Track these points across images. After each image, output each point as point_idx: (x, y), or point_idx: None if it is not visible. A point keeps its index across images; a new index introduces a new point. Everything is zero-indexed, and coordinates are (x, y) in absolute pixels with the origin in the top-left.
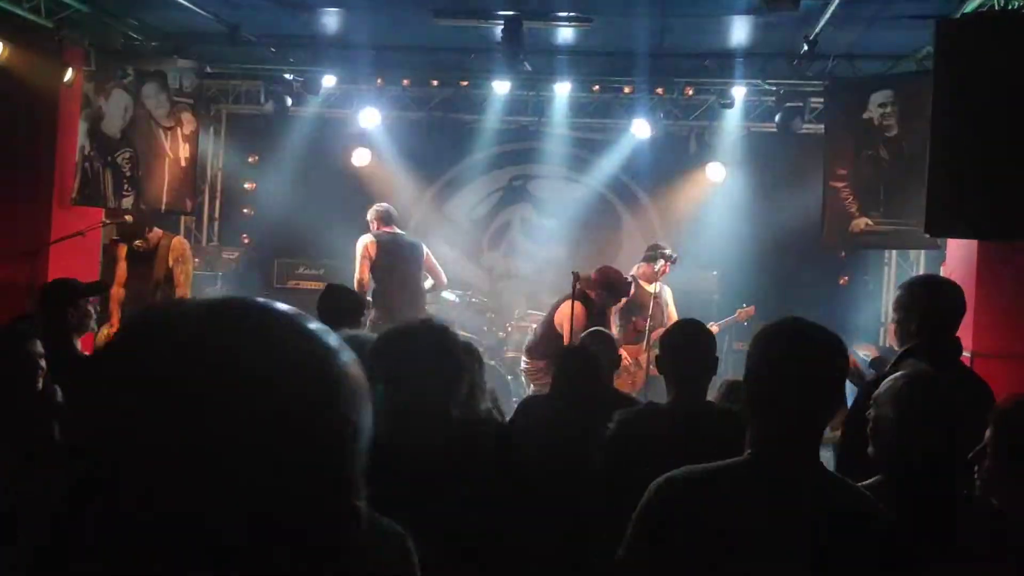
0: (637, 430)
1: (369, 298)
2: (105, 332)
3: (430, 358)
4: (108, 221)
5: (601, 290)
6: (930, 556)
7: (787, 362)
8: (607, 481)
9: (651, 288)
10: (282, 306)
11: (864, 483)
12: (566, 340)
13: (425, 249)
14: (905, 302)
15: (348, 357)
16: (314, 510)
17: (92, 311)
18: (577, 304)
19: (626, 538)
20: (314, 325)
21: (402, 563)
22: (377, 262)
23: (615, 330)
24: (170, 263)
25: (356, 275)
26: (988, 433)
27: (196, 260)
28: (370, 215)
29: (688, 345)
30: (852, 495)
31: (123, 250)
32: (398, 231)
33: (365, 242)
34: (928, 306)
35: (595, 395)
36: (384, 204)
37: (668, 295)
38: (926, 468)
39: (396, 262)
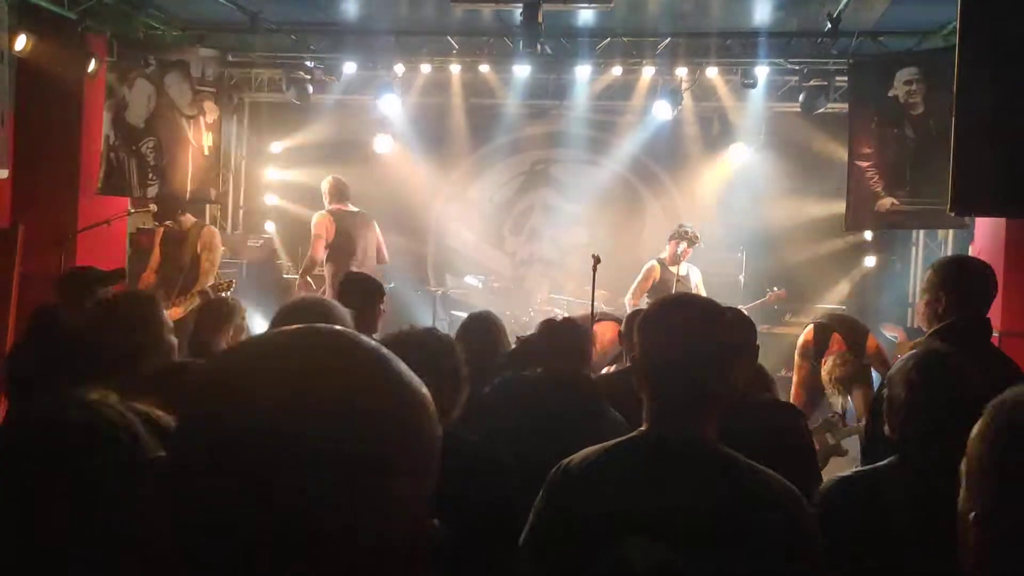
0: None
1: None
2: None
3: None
4: (134, 210)
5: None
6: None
7: (675, 339)
8: None
9: (675, 269)
10: (365, 339)
11: (879, 464)
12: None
13: (375, 224)
14: (934, 282)
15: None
16: (408, 530)
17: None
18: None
19: (525, 530)
20: (390, 354)
21: None
22: (332, 240)
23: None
24: (198, 249)
25: (309, 252)
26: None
27: (221, 248)
28: (324, 187)
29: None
30: (745, 472)
31: (159, 235)
32: (351, 207)
33: (318, 219)
34: (957, 287)
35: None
36: (338, 177)
37: (697, 276)
38: (938, 448)
39: (350, 240)
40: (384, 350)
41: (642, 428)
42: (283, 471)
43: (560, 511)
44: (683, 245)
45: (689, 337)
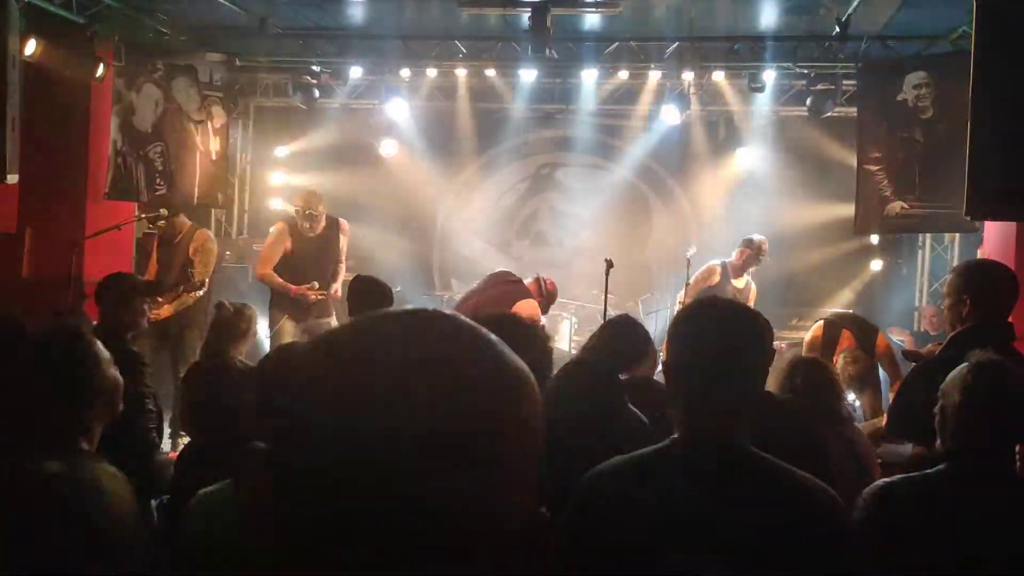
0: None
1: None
2: None
3: None
4: (142, 215)
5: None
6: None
7: (706, 343)
8: None
9: (737, 282)
10: (466, 320)
11: (928, 471)
12: None
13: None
14: (957, 286)
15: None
16: (516, 516)
17: (146, 310)
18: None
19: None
20: (493, 336)
21: None
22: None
23: None
24: (190, 253)
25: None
26: None
27: (227, 253)
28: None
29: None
30: (788, 478)
31: (154, 243)
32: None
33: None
34: (981, 291)
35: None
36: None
37: (752, 292)
38: (993, 456)
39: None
40: (485, 331)
41: (674, 435)
42: (397, 458)
43: (594, 526)
44: (750, 257)
45: (730, 341)
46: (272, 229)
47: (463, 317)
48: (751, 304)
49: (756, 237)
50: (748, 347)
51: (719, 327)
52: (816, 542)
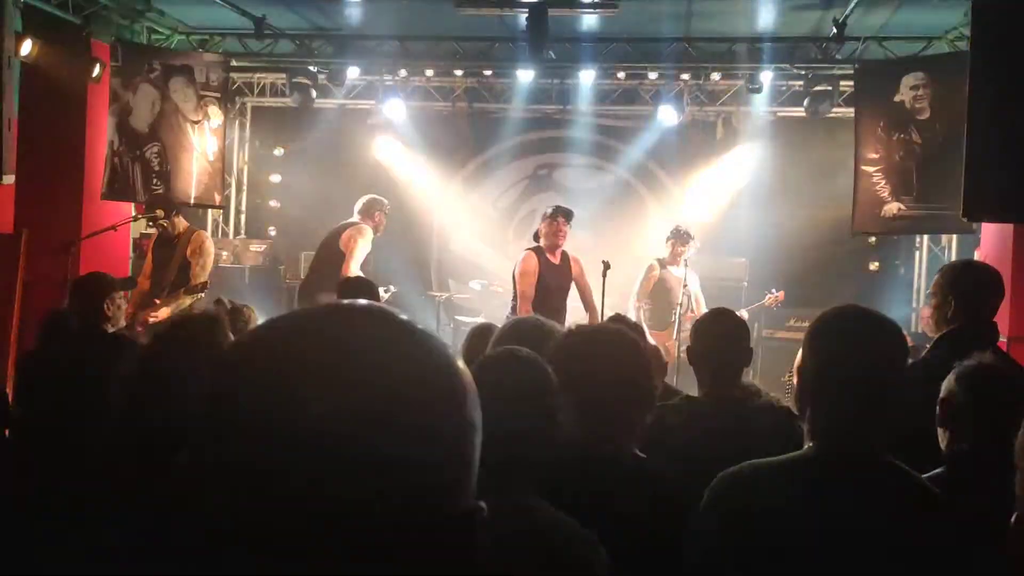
0: (672, 423)
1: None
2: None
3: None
4: (139, 216)
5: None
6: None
7: (855, 351)
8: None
9: (675, 271)
10: (396, 312)
11: (928, 474)
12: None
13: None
14: (943, 287)
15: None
16: (439, 509)
17: (123, 305)
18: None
19: (691, 538)
20: (428, 329)
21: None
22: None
23: (641, 314)
24: (188, 253)
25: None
26: None
27: (224, 254)
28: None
29: (722, 336)
30: (921, 487)
31: (150, 243)
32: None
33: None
34: (965, 291)
35: None
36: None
37: (694, 280)
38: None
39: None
40: (415, 324)
41: (811, 444)
42: (321, 452)
43: (732, 529)
44: (678, 244)
45: (871, 350)
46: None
47: (392, 310)
48: (695, 289)
49: (678, 225)
50: (889, 357)
51: (860, 337)
52: (952, 556)
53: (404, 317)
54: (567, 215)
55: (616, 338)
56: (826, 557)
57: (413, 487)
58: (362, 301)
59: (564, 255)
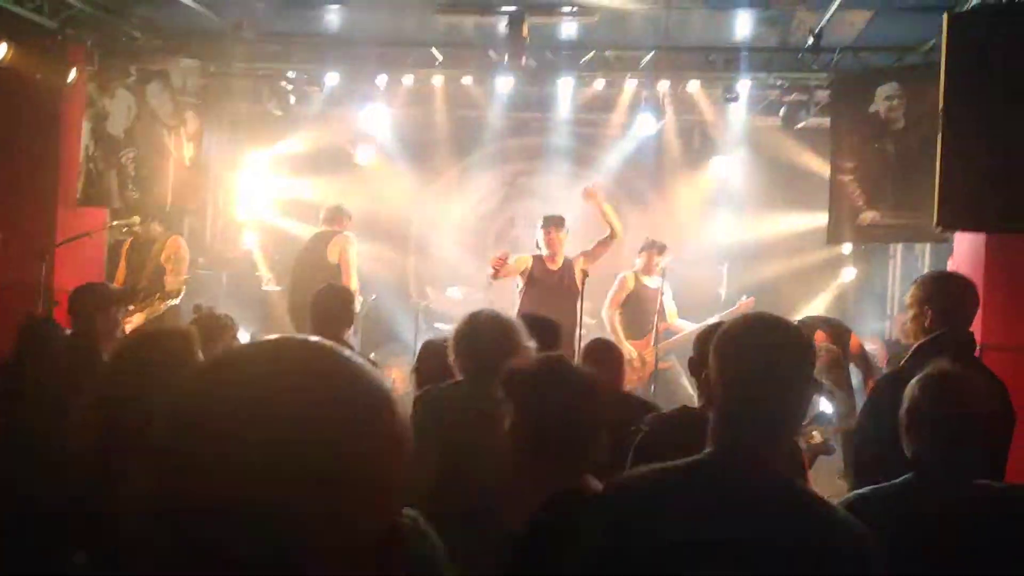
0: (673, 435)
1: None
2: None
3: None
4: (115, 222)
5: None
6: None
7: (756, 360)
8: None
9: (649, 282)
10: (329, 344)
11: (895, 481)
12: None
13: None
14: (919, 297)
15: (389, 385)
16: (361, 525)
17: (120, 320)
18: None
19: (576, 551)
20: (353, 355)
21: None
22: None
23: (616, 322)
24: (162, 260)
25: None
26: None
27: (200, 260)
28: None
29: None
30: (815, 503)
31: (124, 249)
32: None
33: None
34: (942, 302)
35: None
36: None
37: (668, 290)
38: (954, 466)
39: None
40: (345, 354)
41: (708, 450)
42: (255, 477)
43: (618, 537)
44: (653, 255)
45: (779, 361)
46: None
47: (325, 342)
48: (667, 301)
49: (650, 238)
50: (791, 366)
51: (763, 345)
52: (843, 570)
53: (332, 349)
54: (556, 223)
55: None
56: (699, 568)
57: (334, 505)
58: (298, 338)
59: (567, 261)
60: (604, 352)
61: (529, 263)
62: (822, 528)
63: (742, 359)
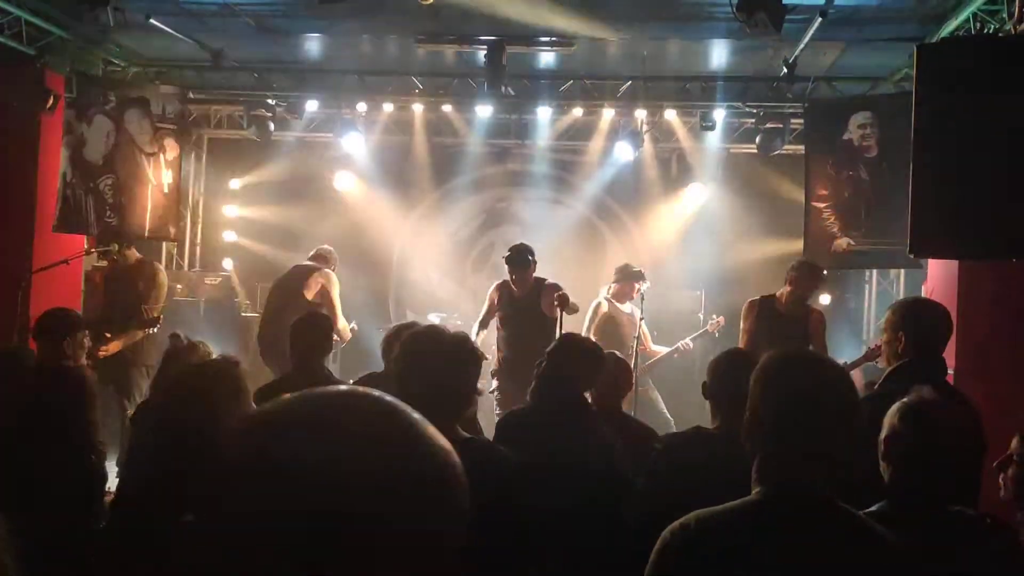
0: (688, 455)
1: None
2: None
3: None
4: (92, 249)
5: None
6: None
7: (802, 397)
8: (650, 507)
9: (623, 307)
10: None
11: (870, 509)
12: None
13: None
14: (894, 323)
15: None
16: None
17: (86, 345)
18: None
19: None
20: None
21: None
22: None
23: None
24: (140, 287)
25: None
26: (1015, 442)
27: (179, 287)
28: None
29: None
30: (865, 528)
31: (100, 276)
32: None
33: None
34: (916, 328)
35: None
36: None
37: (637, 317)
38: (932, 495)
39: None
40: (409, 413)
41: (759, 488)
42: (321, 540)
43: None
44: (631, 280)
45: (816, 394)
46: None
47: (390, 399)
48: (638, 327)
49: (627, 263)
50: (834, 399)
51: (804, 380)
52: None
53: (398, 409)
54: (510, 260)
55: None
56: None
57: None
58: (361, 392)
59: (534, 287)
60: (620, 366)
61: (497, 292)
62: (881, 556)
63: (780, 397)
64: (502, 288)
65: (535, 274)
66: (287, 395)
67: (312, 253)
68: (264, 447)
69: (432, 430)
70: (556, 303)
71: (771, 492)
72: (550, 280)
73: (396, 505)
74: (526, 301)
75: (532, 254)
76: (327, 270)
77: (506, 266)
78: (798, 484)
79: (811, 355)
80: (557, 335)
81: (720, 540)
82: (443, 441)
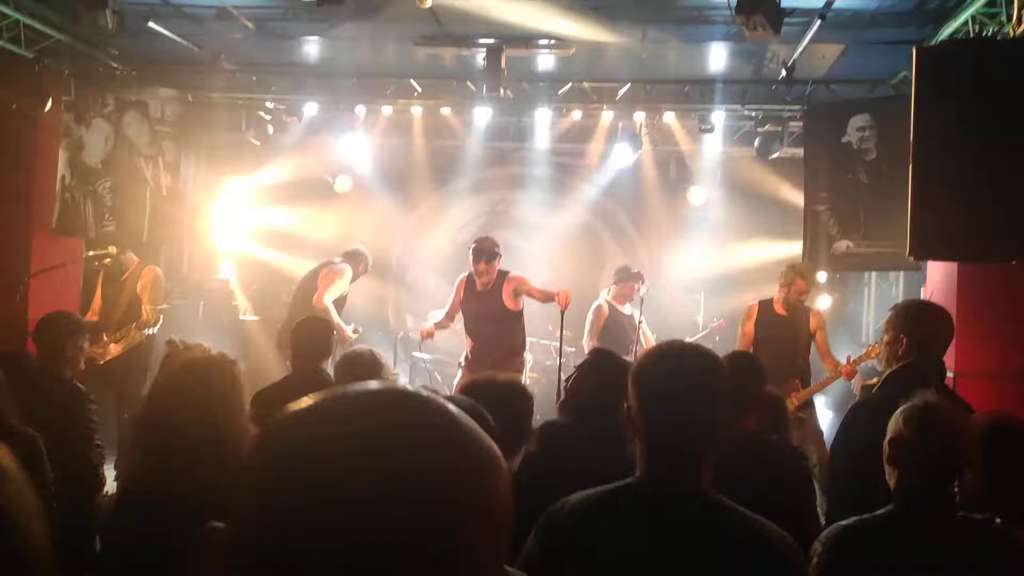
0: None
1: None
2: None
3: None
4: (90, 252)
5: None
6: None
7: (674, 388)
8: None
9: (623, 310)
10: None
11: (878, 512)
12: None
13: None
14: (895, 325)
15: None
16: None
17: (85, 348)
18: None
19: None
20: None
21: None
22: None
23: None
24: (137, 290)
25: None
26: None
27: (177, 290)
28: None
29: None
30: (741, 523)
31: (99, 279)
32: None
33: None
34: (917, 331)
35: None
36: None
37: (636, 318)
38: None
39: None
40: (453, 411)
41: (636, 475)
42: (363, 547)
43: (551, 555)
44: (631, 282)
45: (690, 388)
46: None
47: (430, 395)
48: (643, 327)
49: (626, 265)
50: (711, 393)
51: (682, 373)
52: None
53: (438, 404)
54: (474, 252)
55: None
56: None
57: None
58: (398, 389)
59: (496, 282)
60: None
61: (462, 284)
62: (749, 546)
63: (655, 388)
64: (468, 280)
65: (499, 268)
66: (314, 396)
67: (344, 251)
68: (301, 453)
69: (472, 423)
70: (536, 298)
71: (640, 484)
72: (514, 272)
73: (436, 513)
74: (489, 294)
75: (497, 247)
76: (343, 265)
77: (475, 265)
78: (663, 472)
79: (679, 344)
80: (556, 335)
81: (591, 522)
82: (486, 441)
